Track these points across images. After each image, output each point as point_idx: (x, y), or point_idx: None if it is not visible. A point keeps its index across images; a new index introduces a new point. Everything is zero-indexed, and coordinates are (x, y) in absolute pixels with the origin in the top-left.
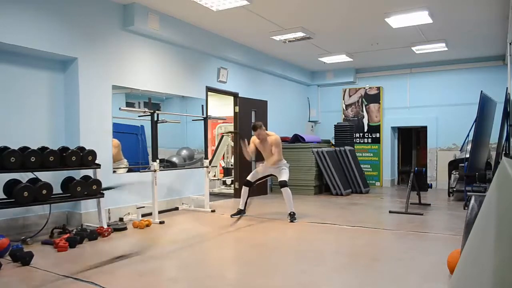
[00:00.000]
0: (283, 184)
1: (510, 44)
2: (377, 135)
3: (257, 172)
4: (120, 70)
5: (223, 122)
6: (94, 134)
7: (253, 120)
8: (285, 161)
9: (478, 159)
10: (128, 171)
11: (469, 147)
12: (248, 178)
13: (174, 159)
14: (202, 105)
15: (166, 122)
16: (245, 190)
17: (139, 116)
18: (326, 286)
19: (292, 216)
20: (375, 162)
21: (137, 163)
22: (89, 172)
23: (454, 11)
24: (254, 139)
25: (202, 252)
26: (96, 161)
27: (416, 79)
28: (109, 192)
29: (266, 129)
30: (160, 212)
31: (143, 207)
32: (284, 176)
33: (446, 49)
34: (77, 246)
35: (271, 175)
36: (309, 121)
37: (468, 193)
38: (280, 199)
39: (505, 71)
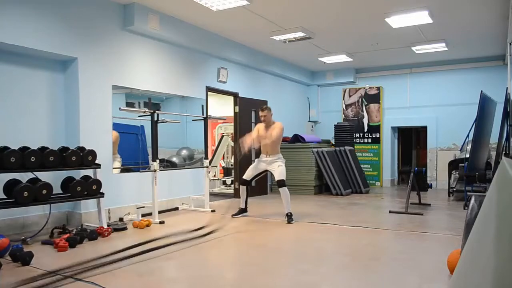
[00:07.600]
0: (281, 184)
1: (510, 44)
2: (377, 135)
3: (252, 169)
4: (120, 70)
5: (223, 122)
6: (94, 134)
7: (253, 120)
8: (282, 156)
9: (478, 159)
10: (126, 171)
11: (469, 147)
12: (244, 177)
13: (174, 159)
14: (202, 105)
15: (166, 122)
16: (243, 189)
17: (139, 116)
18: (326, 286)
19: (290, 217)
20: (375, 162)
21: (137, 163)
22: (89, 172)
23: (454, 11)
24: (259, 126)
25: (202, 252)
26: (96, 161)
27: (416, 79)
28: (109, 191)
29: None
30: (160, 212)
31: (143, 207)
32: (281, 174)
33: (446, 49)
34: (77, 246)
35: (266, 171)
36: (309, 121)
37: (468, 193)
38: (280, 199)
39: (505, 71)
